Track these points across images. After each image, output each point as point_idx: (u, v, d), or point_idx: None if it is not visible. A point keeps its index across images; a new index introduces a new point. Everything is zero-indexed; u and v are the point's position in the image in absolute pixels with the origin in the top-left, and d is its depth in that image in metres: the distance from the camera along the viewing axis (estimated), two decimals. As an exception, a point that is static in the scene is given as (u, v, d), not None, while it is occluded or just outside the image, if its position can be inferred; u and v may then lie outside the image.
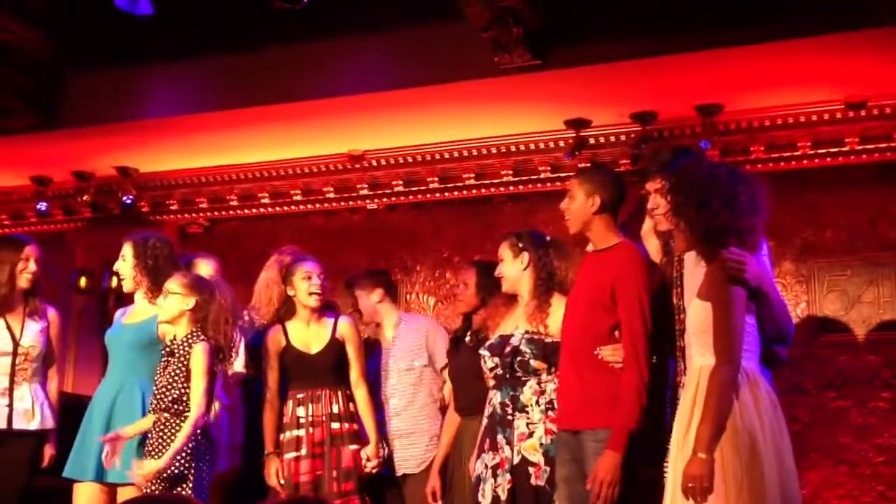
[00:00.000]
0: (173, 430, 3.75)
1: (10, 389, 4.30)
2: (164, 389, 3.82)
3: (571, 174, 5.29)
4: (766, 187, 3.02)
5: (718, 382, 2.78)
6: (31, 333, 4.41)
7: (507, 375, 3.73)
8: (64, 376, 4.61)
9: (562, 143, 6.22)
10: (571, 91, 5.60)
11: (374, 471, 4.30)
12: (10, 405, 4.28)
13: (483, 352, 3.85)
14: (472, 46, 5.35)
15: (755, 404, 2.81)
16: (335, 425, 4.28)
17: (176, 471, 3.73)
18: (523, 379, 3.70)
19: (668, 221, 3.12)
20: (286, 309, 4.41)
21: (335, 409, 4.30)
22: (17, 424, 4.28)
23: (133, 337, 4.18)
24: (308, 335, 4.37)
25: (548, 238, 3.92)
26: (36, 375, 4.40)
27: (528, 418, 3.67)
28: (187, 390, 3.79)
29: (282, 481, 4.18)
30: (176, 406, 3.80)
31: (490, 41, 5.23)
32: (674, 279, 3.33)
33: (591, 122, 6.03)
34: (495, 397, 3.77)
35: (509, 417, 3.70)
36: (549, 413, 3.64)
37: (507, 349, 3.73)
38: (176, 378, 3.82)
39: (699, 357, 2.90)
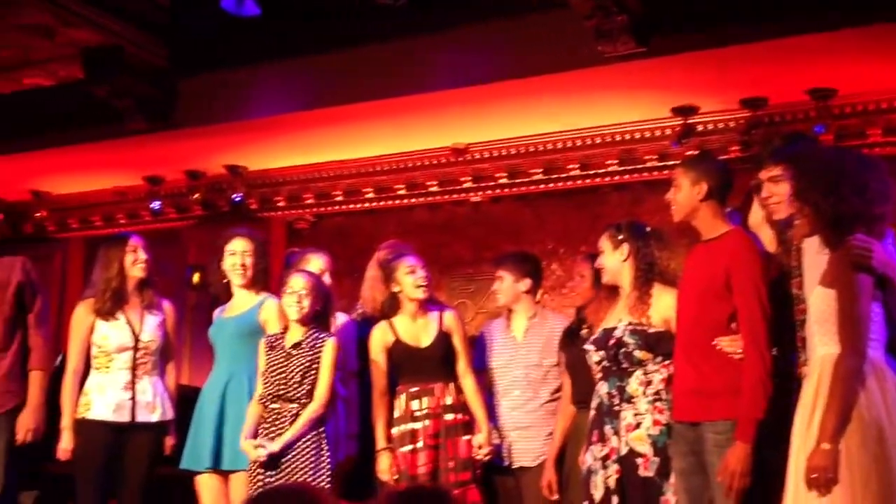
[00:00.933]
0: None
1: (133, 383, 4.40)
2: (295, 383, 4.10)
3: (678, 163, 5.22)
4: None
5: (843, 372, 2.70)
6: (150, 328, 4.51)
7: (614, 367, 3.70)
8: (180, 369, 4.72)
9: (668, 131, 6.12)
10: (678, 78, 5.49)
11: (486, 458, 4.30)
12: (133, 398, 4.38)
13: (588, 346, 3.83)
14: (575, 35, 5.30)
15: (882, 396, 2.71)
16: (448, 416, 4.29)
17: (303, 459, 4.02)
18: (629, 370, 3.67)
19: (790, 208, 3.05)
20: (390, 305, 4.45)
21: (448, 401, 4.31)
22: (140, 417, 4.39)
23: (236, 328, 4.41)
24: (416, 329, 4.40)
25: (648, 229, 3.88)
26: (155, 368, 4.51)
27: (636, 409, 3.63)
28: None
29: (396, 476, 4.21)
30: (307, 399, 4.11)
31: (593, 30, 5.17)
32: (793, 269, 3.24)
33: (698, 108, 5.91)
34: (602, 388, 3.74)
35: (616, 408, 3.67)
36: (657, 404, 3.60)
37: (611, 342, 3.71)
38: (308, 371, 4.11)
39: (822, 346, 2.82)
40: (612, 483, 3.61)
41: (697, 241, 3.52)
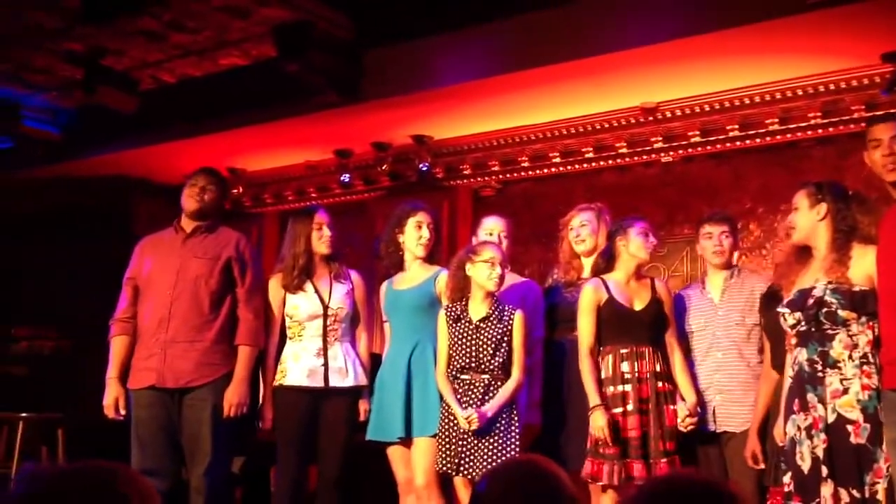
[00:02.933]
0: (495, 390, 4.14)
1: (325, 349, 4.53)
2: (487, 355, 4.15)
3: (891, 112, 4.85)
4: None
5: None
6: (338, 296, 4.61)
7: (813, 329, 3.51)
8: (372, 337, 4.81)
9: (877, 79, 5.69)
10: (888, 21, 5.08)
11: (689, 429, 4.19)
12: (326, 364, 4.50)
13: (782, 309, 3.65)
14: (777, -18, 5.02)
15: None
16: (659, 384, 4.21)
17: (498, 427, 4.08)
18: (831, 332, 3.48)
19: None
20: (608, 262, 4.38)
21: (658, 368, 4.23)
22: (334, 382, 4.50)
23: (416, 300, 4.47)
24: (629, 291, 4.33)
25: (850, 192, 3.69)
26: (346, 335, 4.62)
27: (842, 374, 3.45)
28: (510, 354, 4.16)
29: (611, 435, 4.14)
30: (501, 371, 4.17)
31: (796, -25, 4.87)
32: None
33: (911, 53, 5.48)
34: (801, 354, 3.56)
35: (819, 375, 3.49)
36: (864, 367, 3.42)
37: (811, 301, 3.51)
38: (501, 343, 4.16)
39: None
40: (820, 452, 3.44)
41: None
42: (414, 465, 4.32)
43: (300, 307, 4.57)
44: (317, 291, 4.59)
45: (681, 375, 4.29)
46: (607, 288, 4.33)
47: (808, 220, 3.66)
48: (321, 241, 4.65)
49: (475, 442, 4.09)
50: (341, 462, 4.49)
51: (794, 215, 3.73)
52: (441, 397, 4.28)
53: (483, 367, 4.16)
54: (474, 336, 4.19)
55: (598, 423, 4.15)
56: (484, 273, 4.21)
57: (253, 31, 6.29)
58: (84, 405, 7.12)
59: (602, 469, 4.14)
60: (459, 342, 4.21)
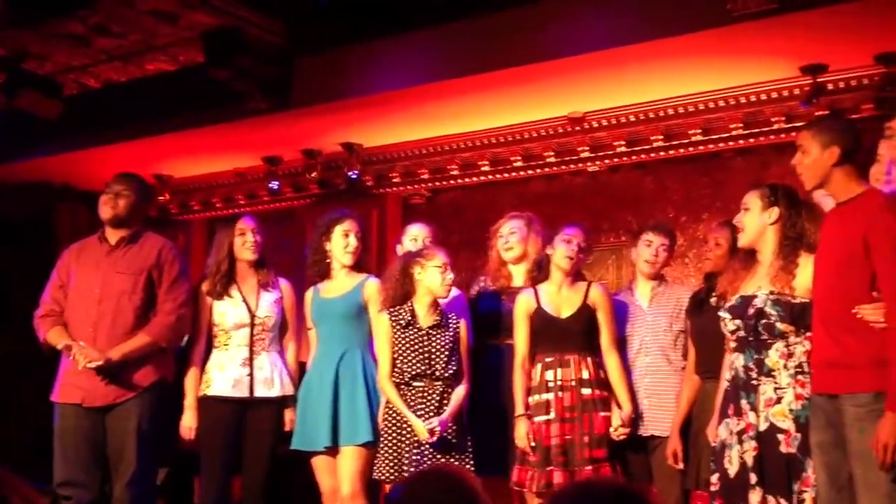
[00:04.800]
0: (448, 398, 4.17)
1: (251, 359, 4.48)
2: (441, 362, 4.17)
3: (805, 125, 4.98)
4: None
5: None
6: (266, 304, 4.57)
7: (751, 338, 3.54)
8: (300, 346, 4.77)
9: (797, 91, 5.84)
10: (808, 35, 5.21)
11: (622, 437, 4.22)
12: (252, 374, 4.45)
13: (723, 314, 3.65)
14: (703, -5, 5.13)
15: None
16: (585, 391, 4.21)
17: (454, 439, 4.12)
18: (768, 342, 3.50)
19: None
20: (540, 271, 4.42)
21: (584, 375, 4.23)
22: (259, 392, 4.46)
23: (344, 309, 4.45)
24: (559, 299, 4.34)
25: (801, 198, 3.67)
26: (273, 344, 4.57)
27: (776, 383, 3.48)
28: (460, 362, 4.24)
29: (533, 444, 4.17)
30: (454, 379, 4.21)
31: (723, -13, 4.97)
32: None
33: (828, 66, 5.64)
34: (738, 360, 3.59)
35: (754, 382, 3.52)
36: (799, 377, 3.45)
37: (751, 311, 3.53)
38: (453, 351, 4.19)
39: None
40: (749, 459, 3.48)
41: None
42: (340, 474, 4.29)
43: (227, 315, 4.52)
44: (244, 300, 4.55)
45: (617, 383, 4.29)
46: (538, 297, 4.35)
47: (758, 222, 3.63)
48: (245, 247, 4.60)
49: (432, 453, 4.08)
50: (266, 473, 4.45)
51: (743, 215, 3.68)
52: (371, 404, 4.28)
53: (437, 374, 4.16)
54: (426, 343, 4.19)
55: (520, 432, 4.19)
56: (436, 278, 4.21)
57: (181, 36, 6.22)
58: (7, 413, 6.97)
59: (527, 476, 4.17)
60: (410, 349, 4.19)
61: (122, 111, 7.16)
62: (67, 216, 8.26)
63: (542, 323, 4.29)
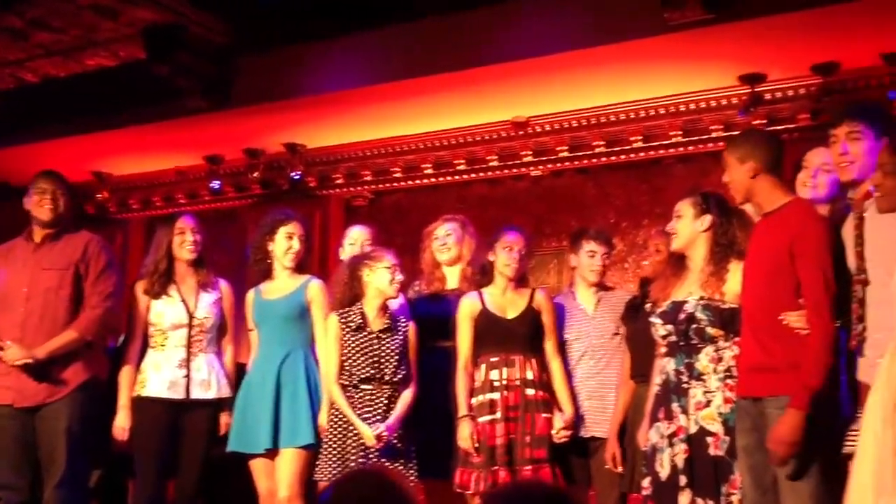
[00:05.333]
0: (393, 401, 4.17)
1: (188, 360, 4.42)
2: (392, 366, 4.18)
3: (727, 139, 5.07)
4: None
5: None
6: (205, 305, 4.52)
7: (682, 343, 3.59)
8: (239, 348, 4.72)
9: (735, 100, 5.94)
10: (746, 45, 5.31)
11: (564, 440, 4.23)
12: (188, 376, 4.40)
13: (654, 319, 3.70)
14: (640, 3, 5.17)
15: None
16: (529, 391, 4.21)
17: (400, 444, 4.12)
18: (699, 346, 3.55)
19: (883, 176, 2.93)
20: (484, 276, 4.43)
21: (529, 376, 4.24)
22: (195, 394, 4.40)
23: (287, 310, 4.41)
24: (504, 302, 4.35)
25: (732, 207, 3.71)
26: (211, 346, 4.52)
27: (706, 386, 3.52)
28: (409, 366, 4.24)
29: (477, 445, 4.16)
30: (402, 383, 4.21)
31: (660, -3, 5.04)
32: (855, 238, 3.15)
33: (766, 76, 5.75)
34: (669, 364, 3.63)
35: (684, 385, 3.56)
36: (728, 381, 3.49)
37: (682, 316, 3.58)
38: (403, 355, 4.19)
39: None
40: (679, 462, 3.52)
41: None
42: (279, 476, 4.25)
43: (165, 315, 4.46)
44: (183, 301, 4.49)
45: (560, 386, 4.31)
46: (483, 299, 4.36)
47: (690, 229, 3.68)
48: (183, 246, 4.54)
49: (378, 457, 4.06)
50: (200, 475, 4.39)
51: (676, 222, 3.74)
52: (313, 406, 4.26)
53: (387, 378, 4.16)
54: (377, 347, 4.17)
55: (463, 433, 4.18)
56: (385, 279, 4.19)
57: (122, 32, 6.15)
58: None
59: (471, 478, 4.17)
60: (360, 352, 4.18)
61: (60, 107, 7.05)
62: (4, 214, 8.08)
63: (487, 323, 4.30)
